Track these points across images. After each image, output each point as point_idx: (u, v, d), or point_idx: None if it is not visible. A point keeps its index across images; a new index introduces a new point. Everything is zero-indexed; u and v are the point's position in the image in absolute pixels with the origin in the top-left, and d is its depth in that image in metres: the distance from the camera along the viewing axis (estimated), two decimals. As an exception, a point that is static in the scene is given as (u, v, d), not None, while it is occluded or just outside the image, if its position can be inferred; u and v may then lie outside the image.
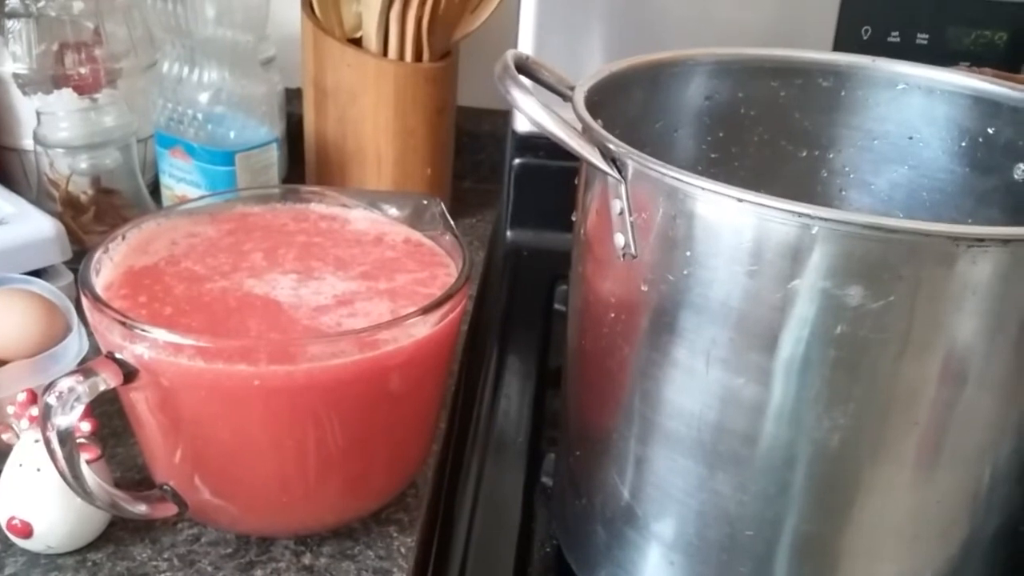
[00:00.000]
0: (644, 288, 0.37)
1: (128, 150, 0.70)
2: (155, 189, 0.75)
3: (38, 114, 0.67)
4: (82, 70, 0.70)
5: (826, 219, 0.31)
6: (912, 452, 0.35)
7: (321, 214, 0.53)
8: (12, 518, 0.43)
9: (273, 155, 0.71)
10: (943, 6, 0.68)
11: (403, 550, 0.46)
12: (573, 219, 0.43)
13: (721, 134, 0.49)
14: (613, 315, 0.39)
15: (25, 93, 0.70)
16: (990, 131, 0.45)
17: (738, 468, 0.36)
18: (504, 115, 0.80)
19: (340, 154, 0.75)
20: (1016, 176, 0.44)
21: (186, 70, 0.71)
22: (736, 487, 0.37)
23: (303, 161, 0.79)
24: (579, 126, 0.38)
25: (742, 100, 0.48)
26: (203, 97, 0.70)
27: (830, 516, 0.37)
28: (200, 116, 0.70)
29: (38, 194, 0.70)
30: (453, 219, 0.51)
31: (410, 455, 0.48)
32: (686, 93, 0.48)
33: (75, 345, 0.50)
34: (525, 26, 0.72)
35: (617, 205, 0.37)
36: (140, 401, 0.42)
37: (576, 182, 0.42)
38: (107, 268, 0.46)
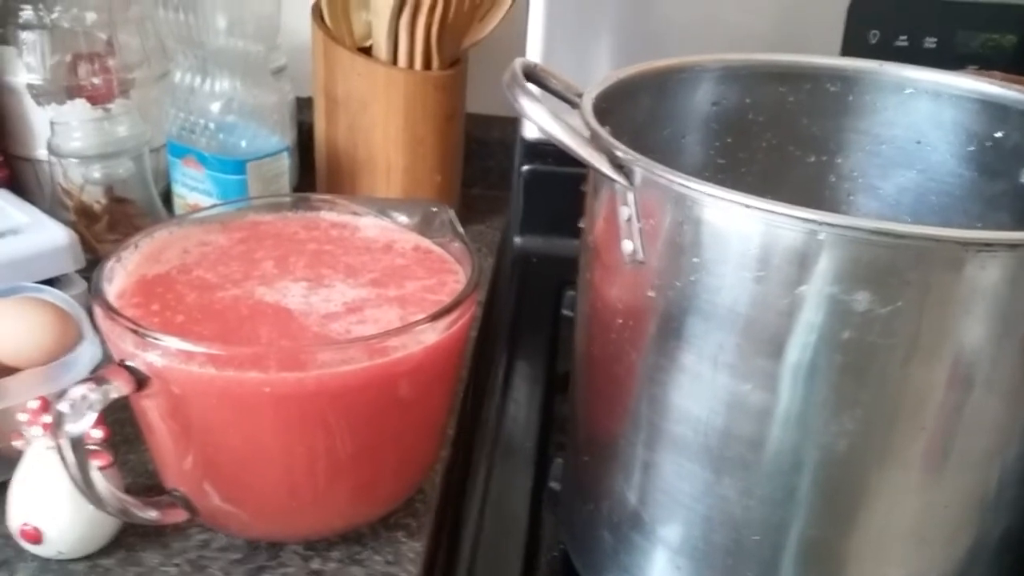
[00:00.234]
0: (652, 294, 0.37)
1: (141, 159, 0.70)
2: (167, 198, 0.75)
3: (52, 124, 0.68)
4: (95, 80, 0.71)
5: (833, 225, 0.31)
6: (919, 457, 0.35)
7: (332, 222, 0.54)
8: (24, 524, 0.43)
9: (284, 164, 0.72)
10: (951, 10, 0.68)
11: (411, 555, 0.46)
12: (581, 226, 0.43)
13: (729, 140, 0.49)
14: (621, 321, 0.39)
15: (39, 103, 0.71)
16: (998, 135, 0.45)
17: (745, 473, 0.36)
18: (513, 122, 0.80)
19: (351, 162, 0.76)
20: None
21: (198, 80, 0.71)
22: (743, 492, 0.37)
23: (314, 169, 0.79)
24: (587, 133, 0.38)
25: (749, 106, 0.48)
26: (215, 107, 0.70)
27: (837, 521, 0.37)
28: (212, 125, 0.70)
29: (52, 203, 0.71)
30: (462, 226, 0.52)
31: (419, 461, 0.48)
32: (693, 99, 0.48)
33: (88, 353, 0.50)
34: (533, 34, 0.72)
35: (625, 212, 0.37)
36: (151, 408, 0.42)
37: (584, 188, 0.42)
38: (120, 277, 0.47)
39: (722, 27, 0.69)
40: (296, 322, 0.44)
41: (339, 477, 0.44)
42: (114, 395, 0.39)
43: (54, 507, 0.43)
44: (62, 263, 0.62)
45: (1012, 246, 0.31)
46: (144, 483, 0.50)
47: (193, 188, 0.72)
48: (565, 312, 0.69)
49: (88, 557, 0.45)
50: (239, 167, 0.69)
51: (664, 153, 0.43)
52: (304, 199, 0.55)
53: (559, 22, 0.71)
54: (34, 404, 0.44)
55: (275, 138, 0.72)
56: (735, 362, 0.35)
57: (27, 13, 0.70)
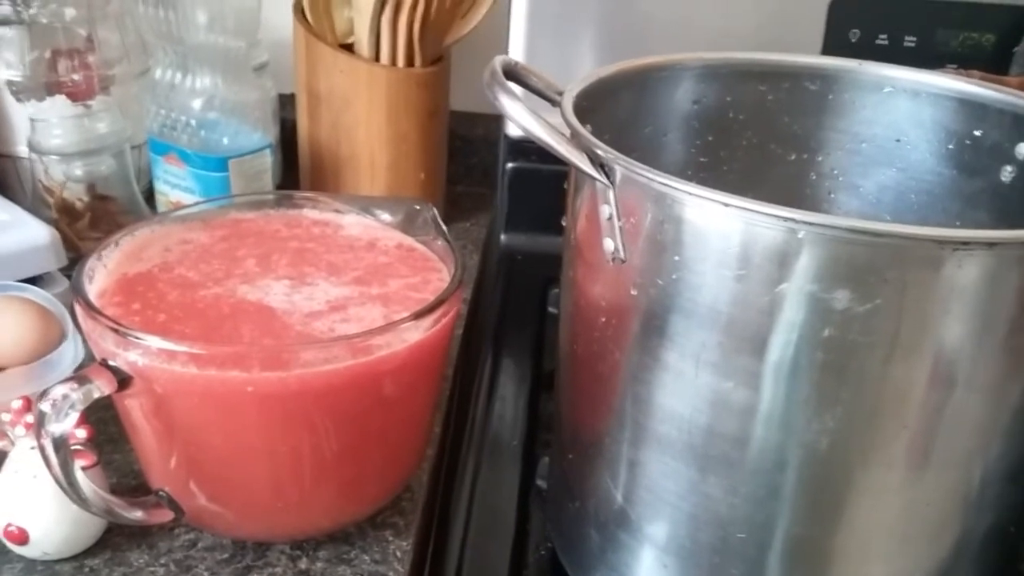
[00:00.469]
0: (633, 292, 0.37)
1: (122, 156, 0.70)
2: (150, 195, 0.75)
3: (32, 121, 0.68)
4: (75, 77, 0.70)
5: (812, 223, 0.32)
6: (901, 454, 0.35)
7: (314, 220, 0.54)
8: (8, 525, 0.43)
9: (267, 161, 0.72)
10: (931, 9, 0.69)
11: (399, 554, 0.47)
12: (563, 224, 0.43)
13: (710, 138, 0.49)
14: (604, 319, 0.39)
15: (19, 100, 0.70)
16: (977, 133, 0.45)
17: (729, 471, 0.37)
18: (497, 119, 0.80)
19: (334, 159, 0.75)
20: (1003, 178, 0.44)
21: (179, 76, 0.71)
22: (727, 490, 0.37)
23: (297, 167, 0.79)
24: (567, 132, 0.38)
25: (730, 104, 0.49)
26: (196, 103, 0.70)
27: (821, 518, 0.37)
28: (193, 122, 0.70)
29: (33, 201, 0.70)
30: (447, 223, 0.52)
31: (405, 459, 0.48)
32: (674, 98, 0.48)
33: (70, 352, 0.50)
34: (516, 31, 0.72)
35: (606, 210, 0.37)
36: (134, 408, 0.42)
37: (566, 186, 0.42)
38: (101, 275, 0.46)
39: (703, 26, 0.70)
40: (279, 321, 0.44)
41: (324, 476, 0.44)
42: (96, 395, 0.39)
43: (39, 508, 0.43)
44: (44, 261, 0.62)
45: (989, 244, 0.31)
46: (130, 483, 0.50)
47: (175, 185, 0.72)
48: (551, 309, 0.69)
49: (74, 558, 0.45)
50: (221, 164, 0.69)
51: (645, 151, 0.43)
52: (287, 197, 0.55)
53: (541, 20, 0.72)
54: (17, 404, 0.44)
55: (257, 135, 0.72)
56: (717, 360, 0.35)
57: (5, 8, 0.69)
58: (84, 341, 0.49)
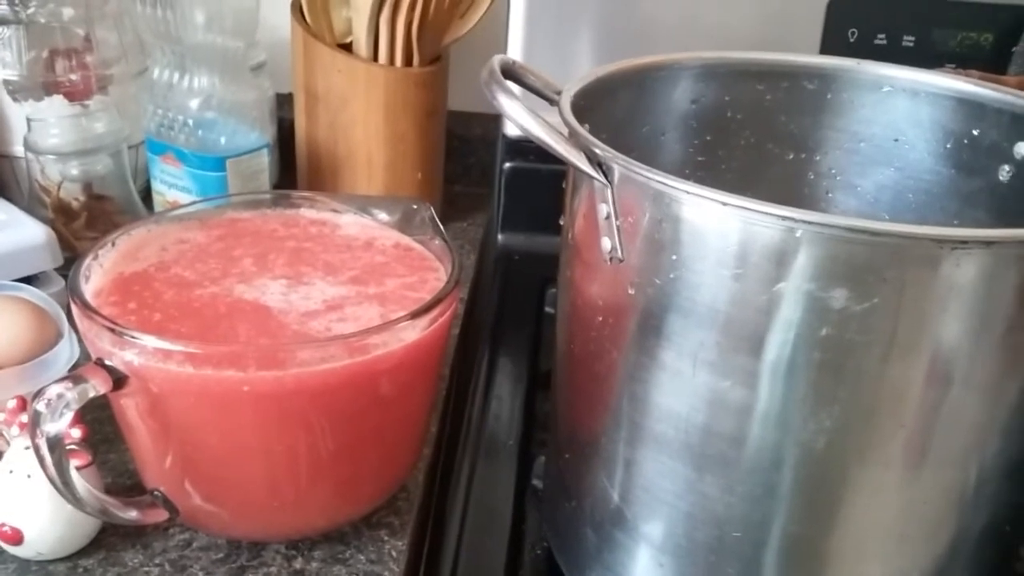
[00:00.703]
0: (631, 292, 0.37)
1: (119, 156, 0.70)
2: (147, 195, 0.75)
3: (29, 121, 0.68)
4: (73, 76, 0.70)
5: (810, 222, 0.31)
6: (898, 453, 0.35)
7: (311, 219, 0.53)
8: (2, 525, 0.43)
9: (264, 160, 0.71)
10: (929, 8, 0.69)
11: (394, 553, 0.46)
12: (561, 223, 0.43)
13: (708, 138, 0.49)
14: (601, 319, 0.39)
15: (16, 100, 0.70)
16: (975, 133, 0.45)
17: (726, 470, 0.37)
18: (495, 119, 0.80)
19: (331, 159, 0.75)
20: (1001, 177, 0.44)
21: (176, 76, 0.71)
22: (724, 489, 0.37)
23: (295, 166, 0.79)
24: (565, 131, 0.38)
25: (728, 104, 0.49)
26: (194, 103, 0.70)
27: (817, 517, 0.37)
28: (191, 122, 0.70)
29: (29, 200, 0.70)
30: (444, 223, 0.52)
31: (401, 459, 0.48)
32: (672, 97, 0.48)
33: (66, 351, 0.50)
34: (514, 30, 0.72)
35: (603, 209, 0.37)
36: (130, 407, 0.42)
37: (564, 186, 0.42)
38: (97, 275, 0.46)
39: (702, 25, 0.70)
40: (275, 320, 0.44)
41: (320, 476, 0.44)
42: (91, 394, 0.39)
43: (33, 508, 0.43)
44: (40, 261, 0.62)
45: (987, 243, 0.31)
46: (125, 483, 0.49)
47: (172, 185, 0.72)
48: (548, 309, 0.69)
49: (68, 558, 0.44)
50: (218, 164, 0.69)
51: (643, 151, 0.43)
52: (284, 196, 0.55)
53: (540, 19, 0.71)
54: (12, 403, 0.44)
55: (255, 135, 0.71)
56: (715, 359, 0.35)
57: (2, 8, 0.69)
58: (80, 340, 0.49)
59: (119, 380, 0.40)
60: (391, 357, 0.42)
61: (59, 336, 0.51)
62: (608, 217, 0.37)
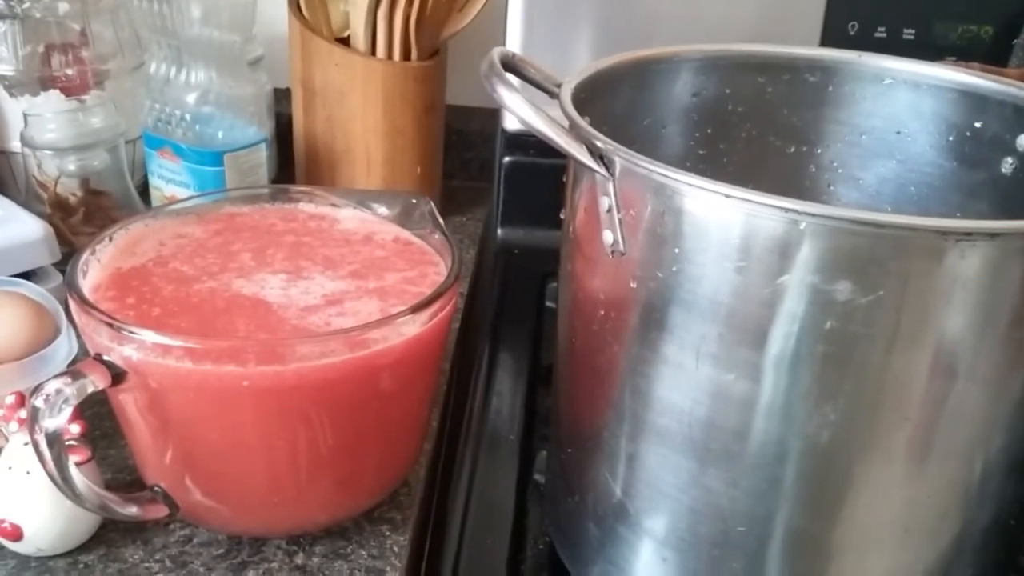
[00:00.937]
0: (633, 285, 0.37)
1: (116, 151, 0.70)
2: (144, 190, 0.75)
3: (25, 116, 0.67)
4: (69, 71, 0.70)
5: (814, 214, 0.31)
6: (902, 447, 0.35)
7: (310, 214, 0.53)
8: (2, 521, 0.43)
9: (262, 155, 0.71)
10: (929, 1, 0.68)
11: (396, 548, 0.46)
12: (562, 216, 0.43)
13: (709, 130, 0.49)
14: (603, 312, 0.39)
15: (12, 95, 0.70)
16: (977, 125, 0.45)
17: (729, 464, 0.36)
18: (493, 113, 0.80)
19: (329, 153, 0.75)
20: (1003, 170, 0.44)
21: (173, 71, 0.70)
22: (727, 483, 0.37)
23: (293, 161, 0.79)
24: (566, 123, 0.38)
25: (729, 96, 0.48)
26: (191, 98, 0.70)
27: (821, 511, 0.37)
28: (188, 117, 0.70)
29: (27, 196, 0.70)
30: (444, 217, 0.51)
31: (402, 454, 0.48)
32: (673, 90, 0.48)
33: (64, 347, 0.50)
34: (513, 24, 0.72)
35: (605, 202, 0.37)
36: (129, 403, 0.42)
37: (564, 179, 0.42)
38: (95, 270, 0.46)
39: (703, 17, 0.69)
40: (274, 315, 0.44)
41: (321, 471, 0.44)
42: (90, 389, 0.39)
43: (33, 504, 0.43)
44: (37, 256, 0.62)
45: (991, 235, 0.31)
46: (125, 478, 0.49)
47: (170, 180, 0.71)
48: (548, 304, 0.69)
49: (68, 554, 0.44)
50: (216, 159, 0.68)
51: (644, 144, 0.42)
52: (282, 191, 0.55)
53: (538, 12, 0.71)
54: (10, 399, 0.44)
55: (252, 129, 0.71)
56: (718, 352, 0.35)
57: (-1, 3, 0.69)
58: (78, 336, 0.49)
59: (118, 375, 0.40)
60: (391, 352, 0.42)
61: (57, 332, 0.50)
62: (610, 210, 0.37)
